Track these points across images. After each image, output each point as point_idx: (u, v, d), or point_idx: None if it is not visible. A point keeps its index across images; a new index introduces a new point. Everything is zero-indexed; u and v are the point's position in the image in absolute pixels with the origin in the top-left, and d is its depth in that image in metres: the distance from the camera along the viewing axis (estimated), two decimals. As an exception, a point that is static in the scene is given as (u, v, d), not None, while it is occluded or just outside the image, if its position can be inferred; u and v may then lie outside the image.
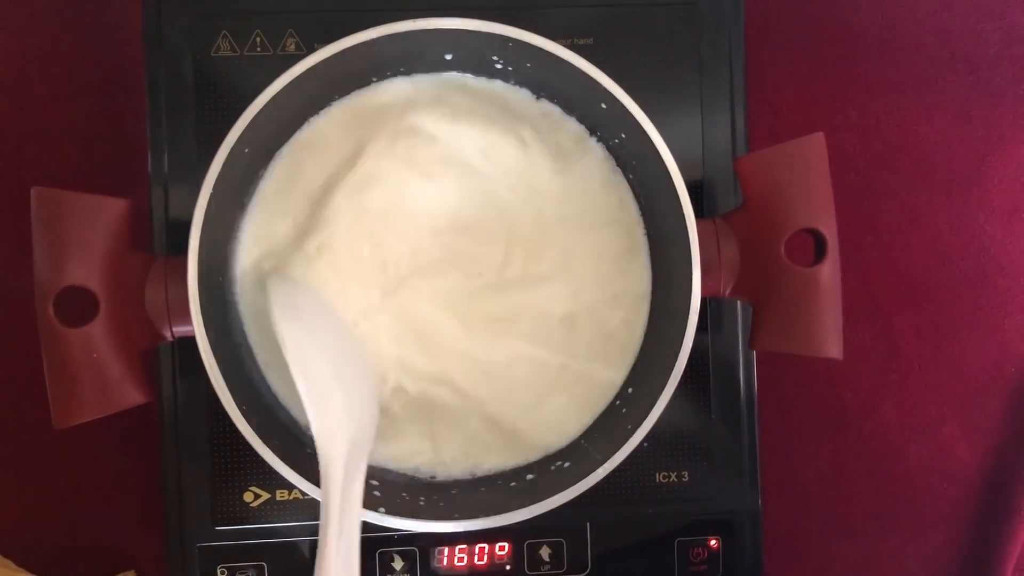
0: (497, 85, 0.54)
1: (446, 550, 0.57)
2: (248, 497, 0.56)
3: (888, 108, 0.68)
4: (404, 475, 0.53)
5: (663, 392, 0.47)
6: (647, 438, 0.47)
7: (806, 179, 0.47)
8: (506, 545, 0.57)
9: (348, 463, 0.43)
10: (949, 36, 0.68)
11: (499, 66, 0.53)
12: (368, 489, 0.49)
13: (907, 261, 0.68)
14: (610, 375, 0.54)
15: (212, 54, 0.55)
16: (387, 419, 0.52)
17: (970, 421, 0.68)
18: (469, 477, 0.53)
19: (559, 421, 0.53)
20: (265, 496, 0.56)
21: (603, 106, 0.49)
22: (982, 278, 0.68)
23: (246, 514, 0.56)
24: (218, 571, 0.56)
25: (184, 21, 0.55)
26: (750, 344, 0.50)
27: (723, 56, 0.58)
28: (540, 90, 0.54)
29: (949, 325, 0.68)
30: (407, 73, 0.53)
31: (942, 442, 0.68)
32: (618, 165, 0.54)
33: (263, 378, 0.53)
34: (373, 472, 0.52)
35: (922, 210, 0.68)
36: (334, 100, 0.53)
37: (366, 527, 0.47)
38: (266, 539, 0.56)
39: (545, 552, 0.57)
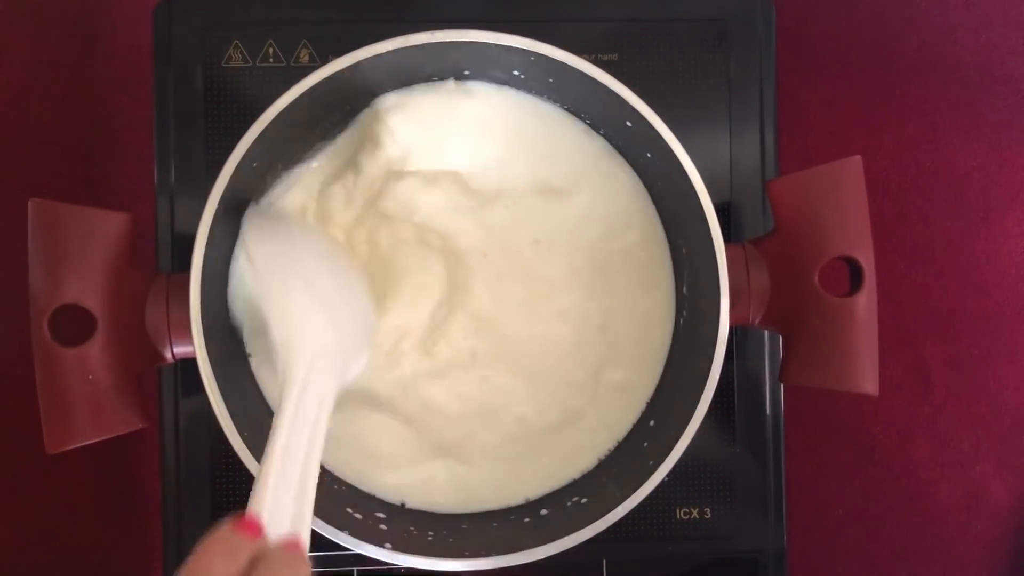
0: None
1: (454, 586, 0.54)
2: (250, 525, 0.54)
3: (923, 131, 0.66)
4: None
5: (688, 427, 0.45)
6: (668, 472, 0.45)
7: (842, 204, 0.46)
8: (516, 582, 0.55)
9: (311, 374, 0.40)
10: (988, 57, 0.66)
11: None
12: (375, 522, 0.47)
13: (941, 290, 0.66)
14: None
15: (223, 64, 0.54)
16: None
17: (1005, 459, 0.66)
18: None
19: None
20: (267, 525, 0.54)
21: (628, 124, 0.47)
22: (1019, 309, 0.66)
23: (247, 543, 0.53)
24: (217, 602, 0.54)
25: (195, 30, 0.54)
26: (780, 377, 0.48)
27: (753, 75, 0.57)
28: (562, 106, 0.52)
29: (984, 357, 0.66)
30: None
31: (976, 480, 0.66)
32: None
33: (268, 403, 0.51)
34: (380, 504, 0.50)
35: (957, 238, 0.66)
36: (349, 113, 0.51)
37: (370, 561, 0.44)
38: (267, 569, 0.54)
39: (558, 590, 0.55)
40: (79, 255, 0.43)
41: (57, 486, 0.62)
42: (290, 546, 0.35)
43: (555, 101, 0.52)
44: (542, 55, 0.45)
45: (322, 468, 0.50)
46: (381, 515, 0.49)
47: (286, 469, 0.37)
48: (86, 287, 0.43)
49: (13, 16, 0.62)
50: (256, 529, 0.35)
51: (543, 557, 0.45)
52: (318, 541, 0.53)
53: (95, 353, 0.43)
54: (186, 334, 0.44)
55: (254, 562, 0.33)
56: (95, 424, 0.43)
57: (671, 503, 0.56)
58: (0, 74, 0.62)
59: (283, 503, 0.36)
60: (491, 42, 0.45)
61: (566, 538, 0.45)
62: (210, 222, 0.44)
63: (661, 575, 0.56)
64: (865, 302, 0.45)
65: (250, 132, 0.44)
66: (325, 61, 0.45)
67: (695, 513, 0.56)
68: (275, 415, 0.38)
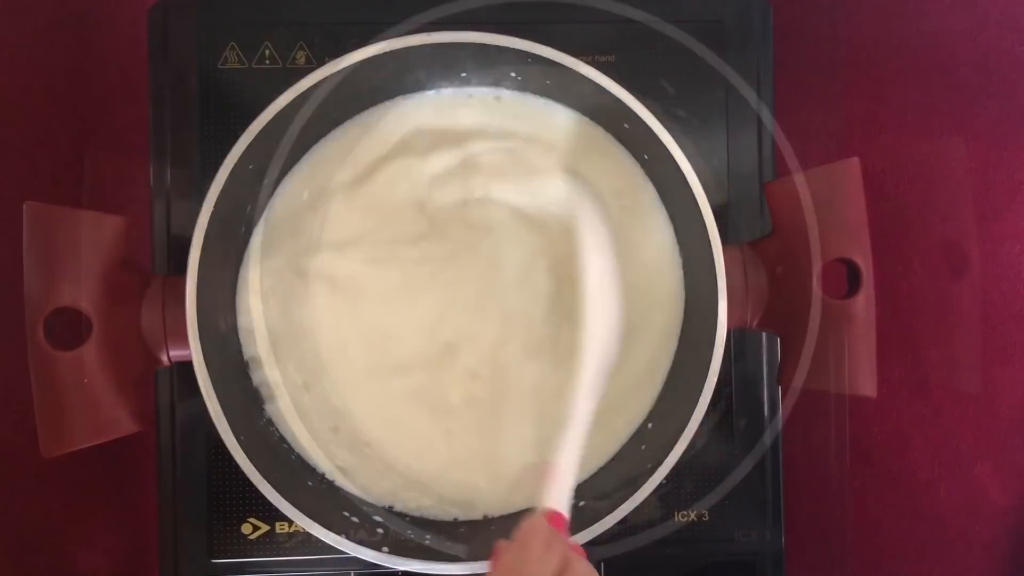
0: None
1: (451, 590, 0.54)
2: (247, 529, 0.53)
3: (921, 132, 0.65)
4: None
5: (685, 429, 0.45)
6: (666, 475, 0.45)
7: (840, 206, 0.45)
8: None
9: (602, 362, 0.44)
10: (985, 59, 0.65)
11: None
12: (372, 526, 0.47)
13: (939, 292, 0.65)
14: None
15: (219, 66, 0.54)
16: None
17: (1004, 460, 0.65)
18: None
19: None
20: (264, 528, 0.54)
21: (625, 126, 0.47)
22: (1017, 310, 0.65)
23: (244, 547, 0.54)
24: (214, 606, 0.54)
25: (191, 32, 0.54)
26: (778, 380, 0.48)
27: (750, 77, 0.56)
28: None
29: (982, 359, 0.65)
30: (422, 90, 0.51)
31: (974, 482, 0.65)
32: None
33: (265, 407, 0.51)
34: (377, 509, 0.50)
35: (955, 239, 0.65)
36: (346, 116, 0.51)
37: (368, 565, 0.44)
38: (264, 573, 0.54)
39: (556, 593, 0.55)
40: (74, 258, 0.43)
41: (53, 489, 0.62)
42: (576, 548, 0.38)
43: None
44: (539, 56, 0.45)
45: (323, 473, 0.51)
46: (378, 519, 0.49)
47: (579, 432, 0.41)
48: (81, 290, 0.43)
49: (9, 17, 0.62)
50: (564, 526, 0.38)
51: (541, 560, 0.45)
52: (315, 544, 0.53)
53: (91, 356, 0.43)
54: (182, 337, 0.44)
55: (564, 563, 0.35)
56: (91, 428, 0.43)
57: (669, 505, 0.55)
58: (-5, 76, 0.62)
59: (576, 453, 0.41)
60: (488, 43, 0.45)
61: (564, 541, 0.45)
62: (206, 224, 0.44)
63: (659, 578, 0.56)
64: (863, 304, 0.45)
65: (246, 134, 0.44)
66: (322, 63, 0.45)
67: (693, 516, 0.56)
68: (575, 416, 0.42)
